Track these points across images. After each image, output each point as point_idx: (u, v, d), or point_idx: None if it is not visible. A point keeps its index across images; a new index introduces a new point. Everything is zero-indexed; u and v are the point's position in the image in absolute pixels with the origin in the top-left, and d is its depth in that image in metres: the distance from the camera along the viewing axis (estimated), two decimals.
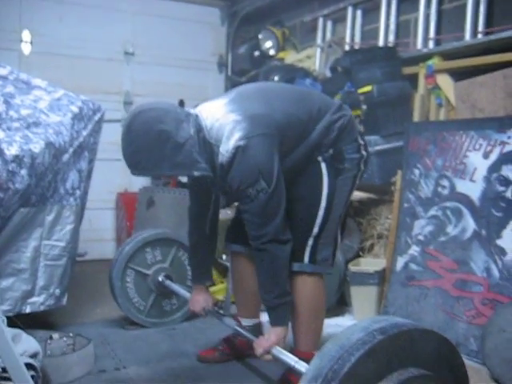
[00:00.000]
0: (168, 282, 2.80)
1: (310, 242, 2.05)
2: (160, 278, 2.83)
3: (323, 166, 2.04)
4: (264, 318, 2.24)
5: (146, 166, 1.89)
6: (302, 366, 1.69)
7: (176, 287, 2.73)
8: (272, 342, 1.89)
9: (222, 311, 3.05)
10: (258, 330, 2.41)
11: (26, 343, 1.93)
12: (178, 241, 2.91)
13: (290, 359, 1.77)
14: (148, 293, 2.86)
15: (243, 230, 2.05)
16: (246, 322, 2.38)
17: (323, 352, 1.24)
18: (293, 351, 2.11)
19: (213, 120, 1.94)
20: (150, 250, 2.87)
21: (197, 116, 1.97)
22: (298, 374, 1.69)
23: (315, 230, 2.04)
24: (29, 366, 1.79)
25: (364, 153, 2.12)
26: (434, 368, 1.29)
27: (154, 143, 1.85)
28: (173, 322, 2.92)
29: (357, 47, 3.81)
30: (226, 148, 1.85)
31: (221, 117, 1.93)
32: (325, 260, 2.09)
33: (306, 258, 2.06)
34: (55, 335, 2.28)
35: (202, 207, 2.29)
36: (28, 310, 2.42)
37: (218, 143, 1.89)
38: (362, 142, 2.12)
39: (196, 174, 1.93)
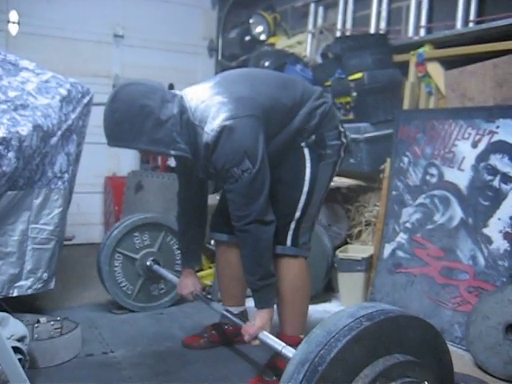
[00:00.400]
0: (156, 267, 2.80)
1: (293, 225, 2.07)
2: (148, 263, 2.83)
3: (306, 151, 2.06)
4: (250, 304, 2.26)
5: (124, 138, 1.88)
6: (289, 351, 1.71)
7: (164, 272, 2.73)
8: (258, 327, 1.91)
9: (209, 296, 3.06)
10: (244, 317, 2.42)
11: (14, 327, 1.93)
12: (166, 225, 2.91)
13: (278, 344, 1.79)
14: (136, 277, 2.87)
15: (227, 218, 2.06)
16: (231, 309, 2.39)
17: (310, 337, 1.25)
18: (279, 335, 2.13)
19: (198, 102, 1.95)
20: (139, 235, 2.87)
21: (181, 97, 1.97)
22: (285, 359, 1.71)
23: (297, 213, 2.06)
24: (16, 350, 1.79)
25: (344, 140, 2.14)
26: (419, 354, 1.30)
27: (136, 116, 1.86)
28: (160, 307, 2.93)
29: (348, 34, 3.79)
30: (211, 127, 1.86)
31: (206, 98, 1.94)
32: (305, 243, 2.12)
33: (289, 241, 2.08)
34: (42, 319, 2.28)
35: (190, 192, 2.30)
36: (15, 293, 2.40)
37: (202, 124, 1.89)
38: (342, 130, 2.14)
39: (173, 152, 1.94)
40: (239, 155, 1.84)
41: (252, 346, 1.97)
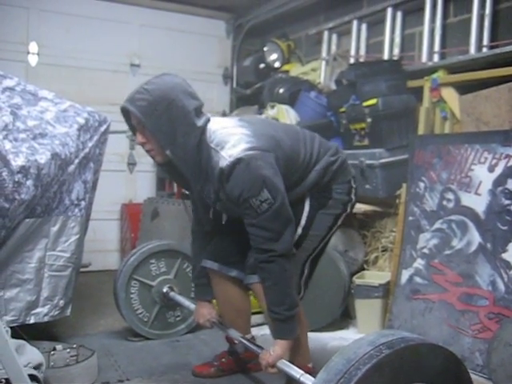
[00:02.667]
0: (172, 294, 2.80)
1: None
2: (164, 290, 2.82)
3: (307, 197, 2.05)
4: (259, 332, 2.25)
5: (139, 106, 1.84)
6: (307, 378, 1.69)
7: (180, 298, 2.73)
8: (277, 356, 1.87)
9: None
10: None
11: (30, 354, 1.93)
12: (182, 252, 2.91)
13: (296, 372, 1.77)
14: (152, 304, 2.86)
15: (224, 248, 2.09)
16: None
17: (329, 366, 1.23)
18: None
19: (219, 126, 1.94)
20: (155, 262, 2.88)
21: (209, 119, 1.97)
22: None
23: None
24: (32, 378, 1.79)
25: (353, 197, 2.12)
26: (440, 383, 1.28)
27: (162, 98, 1.84)
28: (176, 334, 2.91)
29: (362, 60, 3.83)
30: (230, 153, 1.83)
31: (229, 126, 1.94)
32: None
33: None
34: (59, 346, 2.28)
35: (202, 223, 2.28)
36: (32, 320, 2.41)
37: (218, 148, 1.86)
38: (353, 185, 2.12)
39: (167, 152, 1.88)
40: (258, 185, 1.81)
41: (269, 374, 1.93)
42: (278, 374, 1.92)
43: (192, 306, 2.53)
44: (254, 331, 2.48)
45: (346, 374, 1.18)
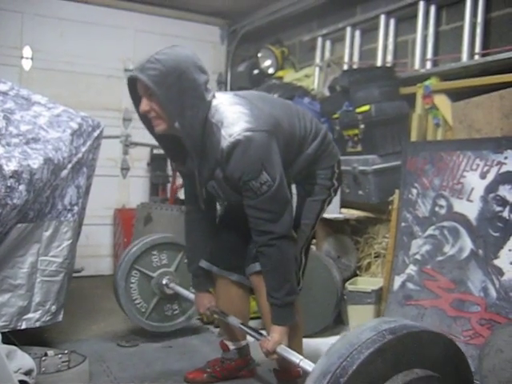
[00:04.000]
0: (172, 285, 2.81)
1: None
2: (164, 281, 2.83)
3: (293, 186, 2.06)
4: (250, 339, 2.23)
5: (150, 76, 1.81)
6: (307, 364, 1.69)
7: (180, 289, 2.75)
8: (275, 341, 1.87)
9: (218, 330, 3.04)
10: (246, 352, 2.40)
11: (21, 360, 1.92)
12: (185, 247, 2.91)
13: (296, 357, 1.77)
14: (151, 296, 2.87)
15: (224, 251, 2.08)
16: (233, 345, 2.37)
17: (331, 351, 1.23)
18: (276, 372, 2.12)
19: (218, 102, 1.92)
20: (157, 253, 2.89)
21: (214, 95, 1.95)
22: None
23: None
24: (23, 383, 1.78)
25: (335, 182, 2.13)
26: (440, 370, 1.28)
27: (174, 69, 1.82)
28: (173, 328, 2.94)
29: (355, 67, 3.84)
30: (230, 132, 1.81)
31: (228, 103, 1.92)
32: None
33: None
34: (50, 352, 2.26)
35: (197, 210, 2.24)
36: (23, 326, 2.40)
37: (219, 124, 1.85)
38: (336, 171, 2.13)
39: (176, 124, 1.86)
40: (257, 167, 1.81)
41: (270, 359, 1.93)
42: (279, 359, 1.92)
43: (191, 295, 2.53)
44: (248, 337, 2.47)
45: (349, 357, 1.18)
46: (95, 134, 2.68)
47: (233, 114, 1.86)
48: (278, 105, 2.08)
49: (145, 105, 1.88)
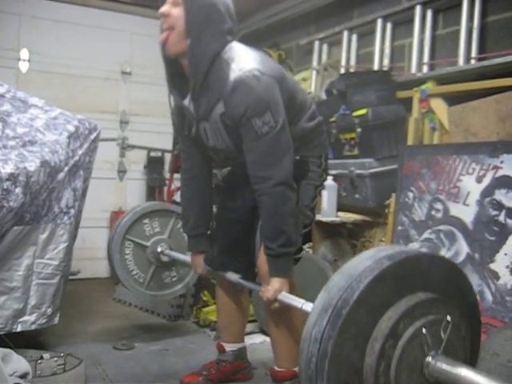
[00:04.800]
0: (167, 251, 2.79)
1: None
2: (159, 249, 2.81)
3: None
4: (248, 341, 2.23)
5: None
6: (309, 306, 1.66)
7: (176, 254, 2.73)
8: (275, 290, 1.86)
9: (215, 333, 3.04)
10: (242, 355, 2.39)
11: (16, 363, 1.92)
12: (176, 212, 2.89)
13: (297, 302, 1.76)
14: (147, 265, 2.85)
15: (228, 255, 2.08)
16: (230, 346, 2.37)
17: (330, 285, 1.21)
18: (272, 371, 2.11)
19: (234, 45, 1.95)
20: (149, 222, 2.86)
21: (233, 41, 1.97)
22: None
23: None
24: None
25: (323, 173, 2.14)
26: (442, 292, 1.27)
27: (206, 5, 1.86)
28: (172, 295, 2.94)
29: (352, 70, 3.85)
30: (240, 67, 1.83)
31: (243, 48, 1.95)
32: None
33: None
34: (46, 355, 2.26)
35: (194, 167, 2.24)
36: (19, 328, 2.39)
37: (229, 60, 1.87)
38: (324, 162, 2.13)
39: (187, 41, 1.87)
40: (262, 105, 1.81)
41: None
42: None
43: (188, 258, 2.51)
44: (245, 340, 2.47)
45: (348, 288, 1.15)
46: (92, 136, 2.68)
47: (245, 55, 1.89)
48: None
49: (167, 7, 1.92)
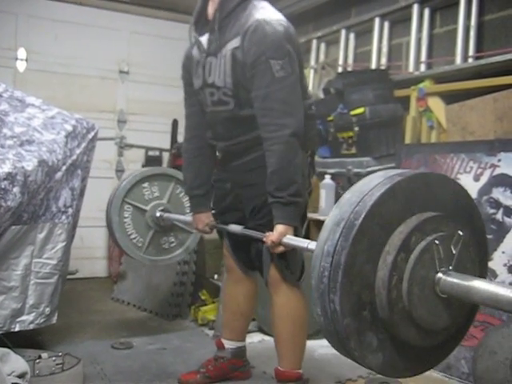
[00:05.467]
0: (167, 214, 2.78)
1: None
2: (158, 214, 2.80)
3: None
4: (247, 340, 2.22)
5: None
6: (314, 245, 1.67)
7: (175, 216, 2.74)
8: (281, 232, 1.86)
9: (213, 332, 3.04)
10: (241, 354, 2.39)
11: (15, 363, 1.92)
12: (175, 177, 2.88)
13: (302, 242, 1.75)
14: (146, 229, 2.84)
15: (243, 252, 2.09)
16: (230, 344, 2.36)
17: (341, 202, 1.20)
18: (276, 371, 2.12)
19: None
20: (148, 186, 2.85)
21: None
22: None
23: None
24: None
25: (311, 170, 2.13)
26: (453, 212, 1.27)
27: None
28: (171, 260, 2.93)
29: (350, 69, 3.85)
30: (267, 13, 1.91)
31: (270, 6, 2.01)
32: (288, 267, 2.06)
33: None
34: (44, 354, 2.26)
35: (195, 128, 2.26)
36: (17, 328, 2.39)
37: (259, 6, 1.95)
38: (309, 159, 2.13)
39: None
40: (284, 50, 1.85)
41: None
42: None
43: (188, 218, 2.51)
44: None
45: (361, 202, 1.15)
46: (90, 136, 2.67)
47: (275, 11, 1.97)
48: None
49: None
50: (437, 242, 1.18)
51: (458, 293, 1.18)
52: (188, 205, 2.76)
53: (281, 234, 1.85)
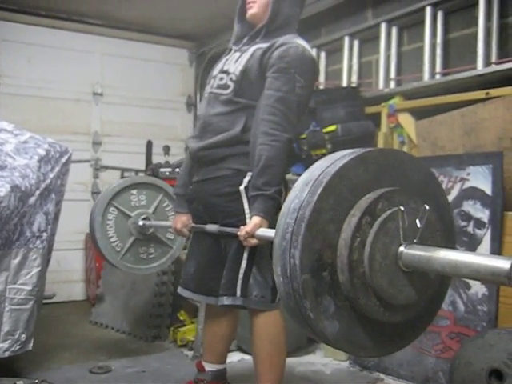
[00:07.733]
0: (149, 223, 2.78)
1: (241, 274, 2.02)
2: (141, 223, 2.79)
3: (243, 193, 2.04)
4: (230, 359, 2.21)
5: None
6: None
7: (157, 222, 2.77)
8: (256, 224, 1.88)
9: (192, 352, 3.03)
10: (222, 376, 2.37)
11: None
12: (164, 189, 2.89)
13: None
14: (127, 235, 2.82)
15: (211, 277, 2.09)
16: (210, 366, 2.34)
17: (312, 167, 1.22)
18: None
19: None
20: (136, 193, 2.85)
21: None
22: None
23: (244, 262, 2.01)
24: None
25: (284, 189, 2.14)
26: (421, 190, 1.30)
27: None
28: (147, 271, 2.91)
29: (321, 87, 3.91)
30: (300, 42, 2.07)
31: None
32: (257, 296, 2.04)
33: (238, 291, 2.02)
34: (20, 382, 2.23)
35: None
36: None
37: (295, 36, 2.13)
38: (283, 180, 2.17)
39: (269, 9, 2.12)
40: (310, 78, 2.03)
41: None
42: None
43: (168, 222, 2.56)
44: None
45: (332, 165, 1.17)
46: (63, 159, 2.67)
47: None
48: None
49: None
50: (402, 208, 1.19)
51: (420, 263, 1.17)
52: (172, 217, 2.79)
53: (256, 226, 1.88)
